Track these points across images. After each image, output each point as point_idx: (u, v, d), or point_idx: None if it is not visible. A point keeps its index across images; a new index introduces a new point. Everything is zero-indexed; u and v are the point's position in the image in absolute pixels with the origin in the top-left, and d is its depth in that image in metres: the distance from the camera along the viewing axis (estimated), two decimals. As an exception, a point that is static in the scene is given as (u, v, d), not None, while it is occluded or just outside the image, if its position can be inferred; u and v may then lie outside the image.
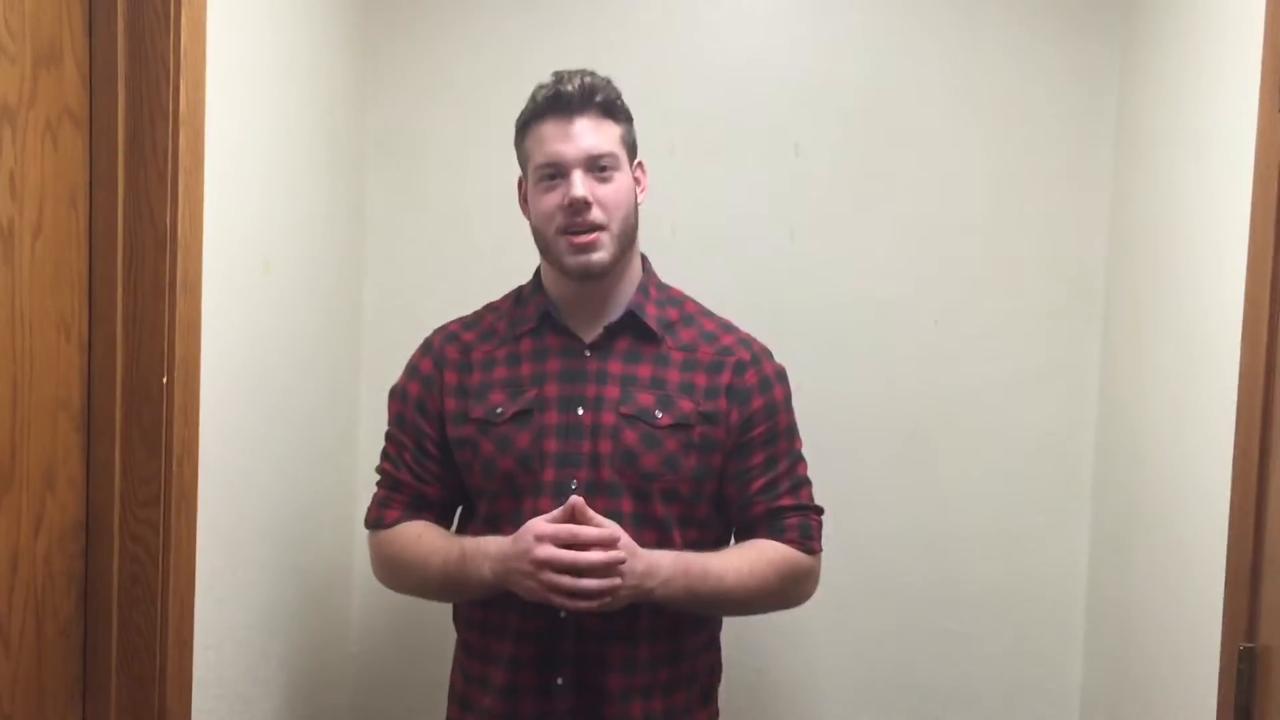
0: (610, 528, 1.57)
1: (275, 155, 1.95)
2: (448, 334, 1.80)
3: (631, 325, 1.72)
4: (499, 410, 1.70)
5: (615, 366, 1.70)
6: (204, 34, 1.62)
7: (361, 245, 2.39)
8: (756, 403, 1.73)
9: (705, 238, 2.35)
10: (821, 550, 1.77)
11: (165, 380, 1.59)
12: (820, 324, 2.36)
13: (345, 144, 2.29)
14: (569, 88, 1.64)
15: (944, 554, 2.38)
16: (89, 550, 1.59)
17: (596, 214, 1.63)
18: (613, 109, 1.67)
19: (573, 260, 1.65)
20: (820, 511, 1.78)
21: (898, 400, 2.37)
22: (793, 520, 1.74)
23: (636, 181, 1.72)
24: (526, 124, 1.69)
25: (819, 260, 2.36)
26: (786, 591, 1.74)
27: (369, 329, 2.42)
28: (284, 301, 1.99)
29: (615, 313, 1.72)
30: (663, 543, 1.66)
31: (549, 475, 1.67)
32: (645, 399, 1.69)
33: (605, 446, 1.67)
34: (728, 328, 1.78)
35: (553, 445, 1.67)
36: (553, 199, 1.64)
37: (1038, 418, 2.36)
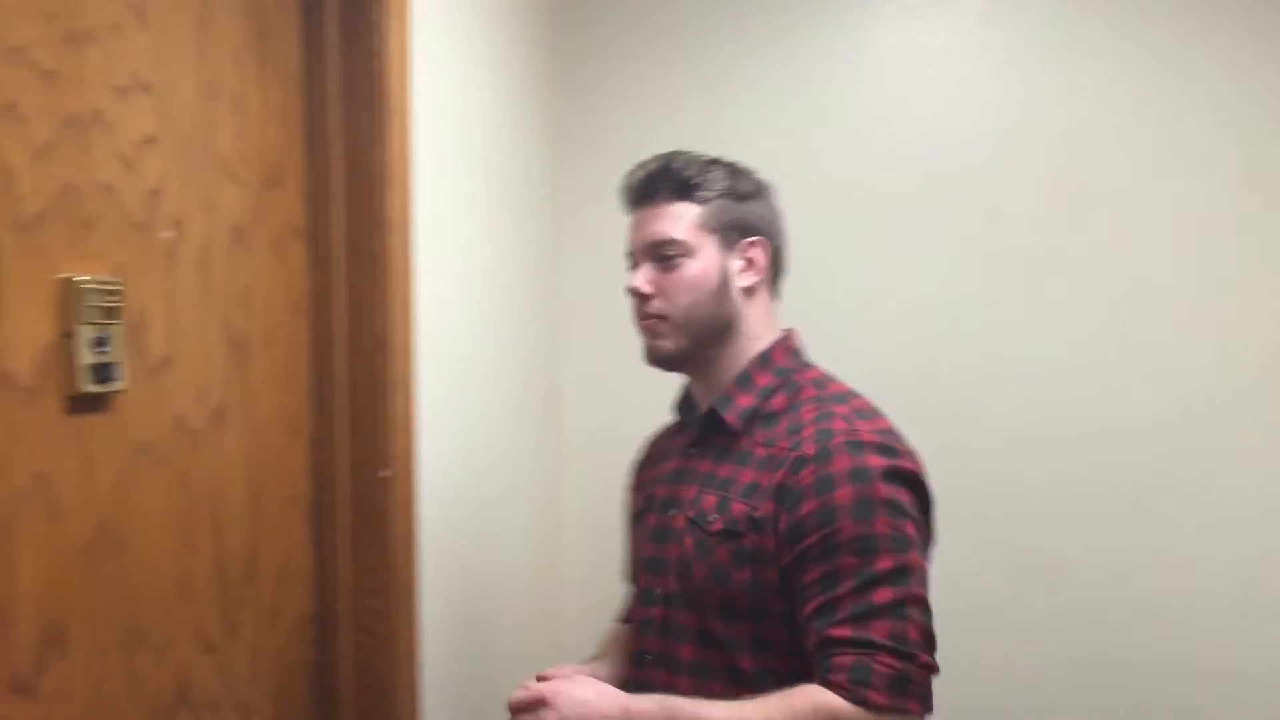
0: (535, 691, 1.41)
1: (482, 257, 2.04)
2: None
3: (717, 420, 1.54)
4: (632, 510, 1.67)
5: (705, 464, 1.54)
6: (408, 147, 1.72)
7: (554, 338, 2.46)
8: (808, 506, 1.39)
9: (900, 307, 2.32)
10: (899, 709, 1.31)
11: (385, 474, 1.67)
12: (1023, 389, 2.28)
13: (543, 245, 2.37)
14: (633, 179, 1.58)
15: (1176, 628, 2.24)
16: (321, 640, 1.67)
17: (656, 304, 1.53)
18: (686, 190, 1.54)
19: (644, 348, 1.56)
20: (906, 658, 1.32)
21: (1115, 466, 2.26)
22: (845, 659, 1.33)
23: (749, 263, 1.54)
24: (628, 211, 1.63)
25: (1019, 324, 2.29)
26: None
27: (570, 420, 2.48)
28: (494, 396, 2.07)
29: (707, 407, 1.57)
30: (729, 668, 1.44)
31: (641, 581, 1.58)
32: (709, 501, 1.49)
33: (674, 552, 1.51)
34: (827, 416, 1.46)
35: (647, 550, 1.57)
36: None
37: (1272, 480, 2.21)
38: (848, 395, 1.52)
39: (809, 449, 1.43)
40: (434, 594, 1.79)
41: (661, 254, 1.52)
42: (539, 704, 1.39)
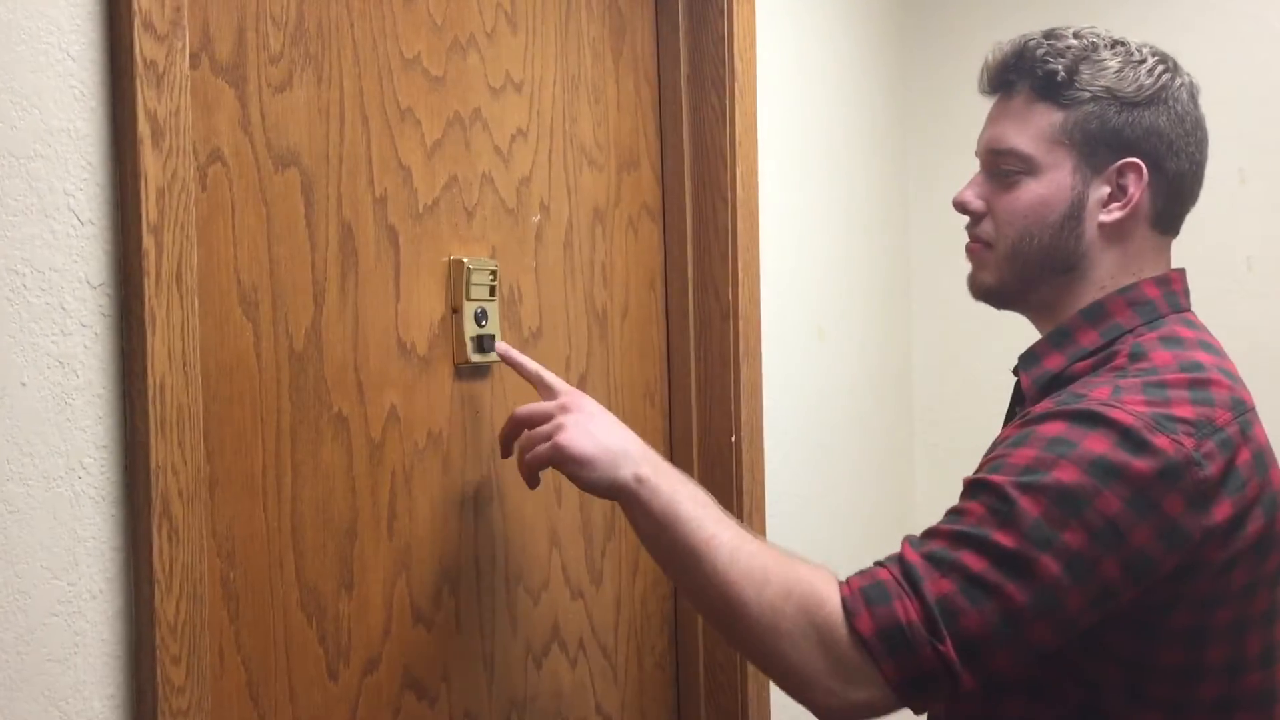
0: (546, 409, 1.23)
1: (824, 229, 2.08)
2: None
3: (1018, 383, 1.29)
4: None
5: (1011, 429, 1.20)
6: (755, 124, 1.78)
7: (908, 309, 2.46)
8: (1011, 431, 1.15)
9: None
10: (872, 657, 1.03)
11: (734, 439, 1.75)
12: None
13: (889, 214, 2.38)
14: (988, 59, 1.27)
15: None
16: (675, 593, 1.78)
17: (985, 227, 1.27)
18: (1048, 87, 1.20)
19: (967, 277, 1.33)
20: (931, 628, 1.03)
21: None
22: (881, 571, 1.09)
23: (1119, 192, 1.21)
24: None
25: None
26: (758, 618, 1.07)
27: (920, 390, 2.47)
28: (837, 366, 2.11)
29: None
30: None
31: None
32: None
33: None
34: (1108, 387, 1.12)
35: None
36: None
37: None
38: (1167, 369, 1.12)
39: (1040, 409, 1.13)
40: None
41: (1000, 167, 1.25)
42: (548, 418, 1.21)
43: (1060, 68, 1.19)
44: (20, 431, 0.83)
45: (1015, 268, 1.25)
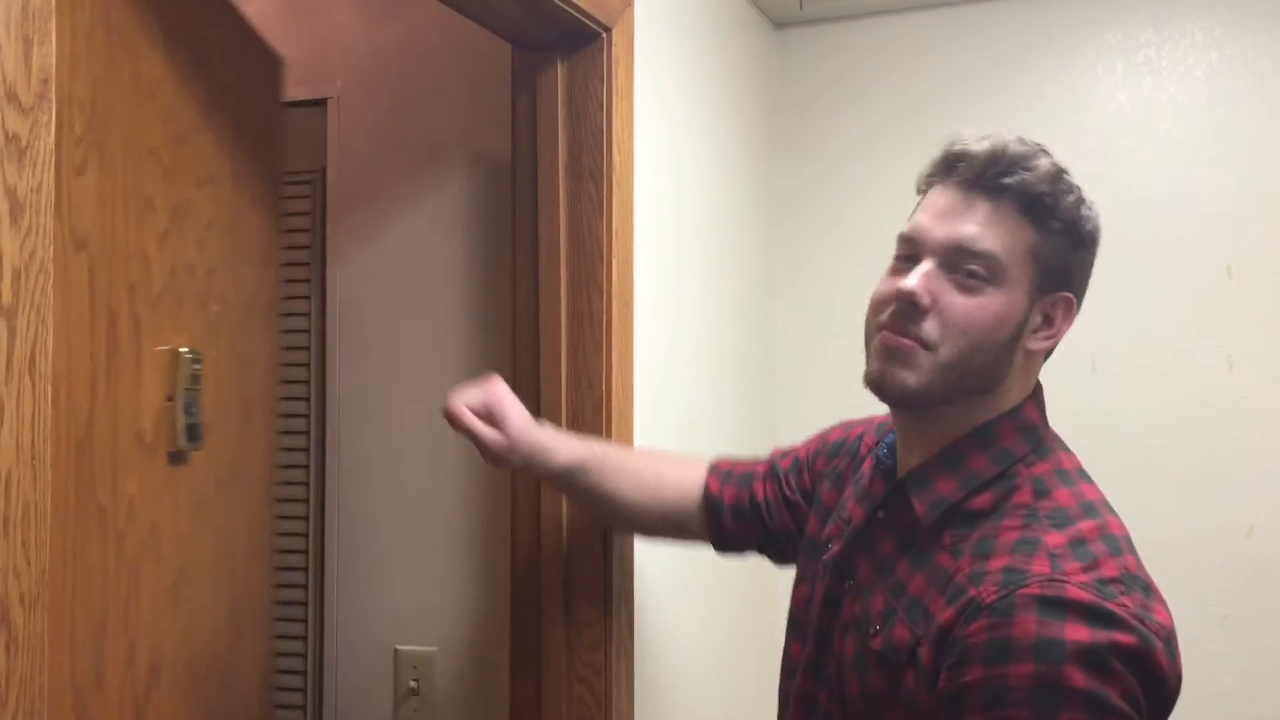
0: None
1: (696, 318, 2.09)
2: None
3: (904, 501, 1.21)
4: (801, 496, 1.50)
5: (887, 545, 1.22)
6: (632, 215, 1.79)
7: (773, 401, 2.48)
8: (972, 675, 1.04)
9: (1130, 372, 2.24)
10: None
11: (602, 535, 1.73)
12: (1266, 459, 2.15)
13: (757, 301, 2.41)
14: (978, 147, 1.17)
15: None
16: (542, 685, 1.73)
17: (928, 326, 1.15)
18: (1036, 206, 1.15)
19: (873, 365, 1.19)
20: None
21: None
22: None
23: (1047, 323, 1.20)
24: (926, 186, 1.24)
25: (1264, 390, 2.17)
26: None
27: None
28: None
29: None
30: None
31: (794, 650, 1.34)
32: (877, 602, 1.19)
33: (835, 641, 1.24)
34: (1029, 545, 1.08)
35: (802, 594, 1.34)
36: (890, 284, 1.19)
37: None
38: (1075, 514, 1.11)
39: (988, 594, 1.06)
40: (649, 654, 1.82)
41: (964, 266, 1.15)
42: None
43: (1046, 189, 1.15)
44: None
45: (950, 379, 1.16)
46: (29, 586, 0.84)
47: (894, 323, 1.17)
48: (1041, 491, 1.14)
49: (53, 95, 0.86)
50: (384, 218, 1.98)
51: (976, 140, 1.17)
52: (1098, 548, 1.08)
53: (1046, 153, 1.18)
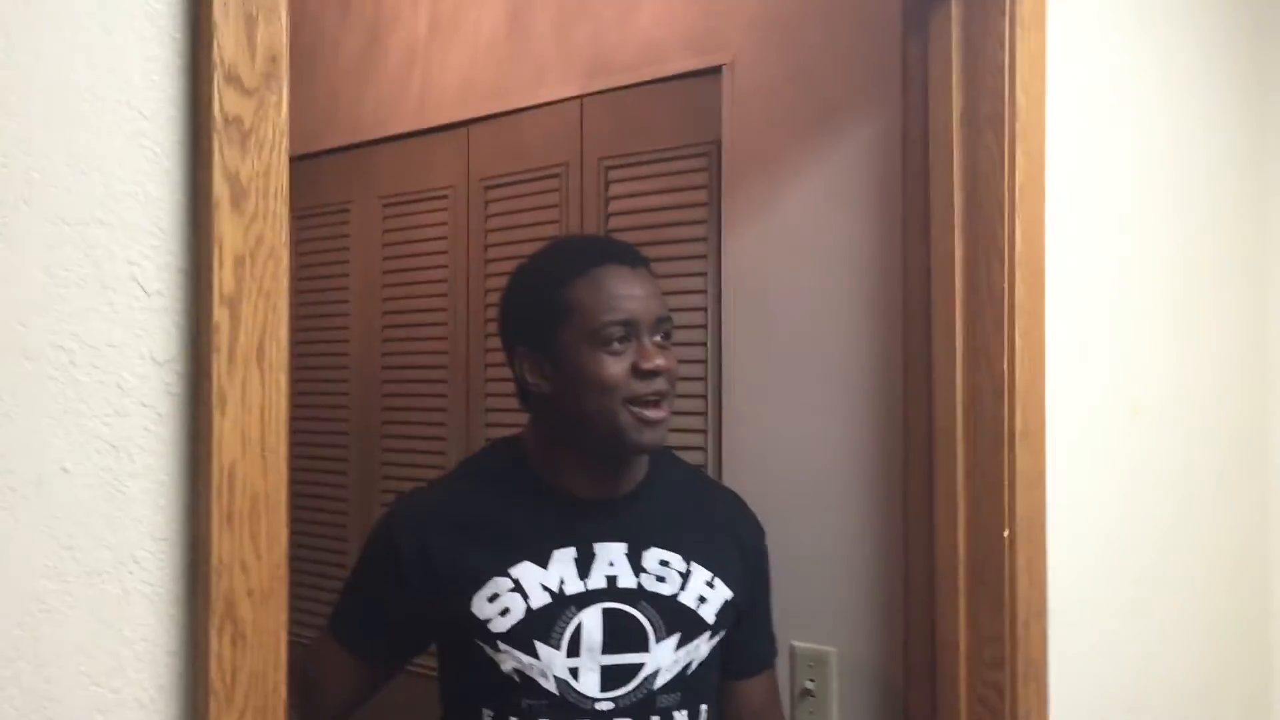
0: None
1: (1144, 289, 1.76)
2: None
3: None
4: None
5: None
6: (1043, 169, 1.53)
7: (1265, 390, 2.03)
8: None
9: None
10: None
11: (1006, 534, 1.50)
12: None
13: (1243, 269, 1.99)
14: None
15: None
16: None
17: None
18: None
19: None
20: None
21: None
22: None
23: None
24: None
25: None
26: None
27: None
28: (1156, 451, 1.77)
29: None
30: None
31: None
32: None
33: None
34: None
35: None
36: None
37: None
38: None
39: None
40: (1068, 672, 1.57)
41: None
42: None
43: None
44: (58, 522, 0.76)
45: None
46: (259, 581, 0.82)
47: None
48: None
49: (283, 74, 0.83)
50: (776, 186, 1.86)
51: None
52: None
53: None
